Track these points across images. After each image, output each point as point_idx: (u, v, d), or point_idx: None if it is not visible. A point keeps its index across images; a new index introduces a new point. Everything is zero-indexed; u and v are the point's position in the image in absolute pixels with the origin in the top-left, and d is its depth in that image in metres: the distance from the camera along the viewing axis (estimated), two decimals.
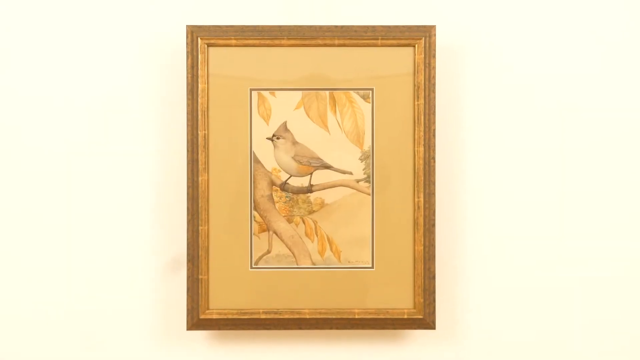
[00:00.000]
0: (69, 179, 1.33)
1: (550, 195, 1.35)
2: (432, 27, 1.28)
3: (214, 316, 1.29)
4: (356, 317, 1.29)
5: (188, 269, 1.28)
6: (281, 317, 1.29)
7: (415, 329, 1.30)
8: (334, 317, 1.29)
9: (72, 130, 1.33)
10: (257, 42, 1.28)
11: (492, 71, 1.34)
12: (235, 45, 1.28)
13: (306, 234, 1.30)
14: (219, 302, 1.29)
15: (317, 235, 1.30)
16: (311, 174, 1.29)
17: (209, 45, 1.28)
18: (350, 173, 1.29)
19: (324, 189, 1.29)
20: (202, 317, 1.29)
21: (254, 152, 1.29)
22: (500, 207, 1.35)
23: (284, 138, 1.29)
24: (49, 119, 1.33)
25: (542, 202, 1.35)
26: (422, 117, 1.28)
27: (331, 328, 1.29)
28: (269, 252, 1.30)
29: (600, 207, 1.35)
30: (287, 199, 1.29)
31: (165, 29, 1.33)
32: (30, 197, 1.34)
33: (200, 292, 1.28)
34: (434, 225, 1.29)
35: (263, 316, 1.29)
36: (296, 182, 1.29)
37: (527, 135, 1.35)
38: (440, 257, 1.33)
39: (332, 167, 1.29)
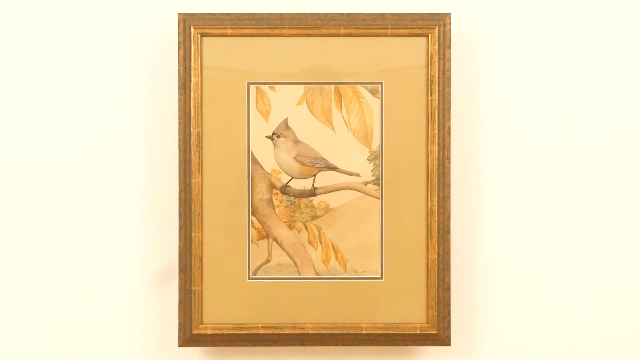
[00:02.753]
0: (48, 181, 1.28)
1: (579, 198, 1.29)
2: (447, 15, 1.22)
3: (209, 331, 1.24)
4: (364, 332, 1.24)
5: (180, 280, 1.23)
6: (281, 332, 1.24)
7: (428, 345, 1.24)
8: (339, 332, 1.24)
9: (52, 127, 1.28)
10: (255, 31, 1.22)
11: (512, 63, 1.28)
12: (232, 35, 1.22)
13: (309, 242, 1.25)
14: (214, 315, 1.24)
15: (321, 243, 1.25)
16: (314, 175, 1.24)
17: (202, 34, 1.22)
18: (358, 175, 1.24)
19: (329, 192, 1.24)
20: (195, 332, 1.23)
21: (252, 152, 1.23)
22: (521, 212, 1.29)
23: (284, 136, 1.23)
24: (29, 113, 1.28)
25: (570, 207, 1.29)
26: (436, 113, 1.22)
27: (336, 344, 1.24)
28: (268, 261, 1.25)
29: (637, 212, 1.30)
30: (289, 203, 1.24)
31: (155, 17, 1.28)
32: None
33: (193, 304, 1.23)
34: (448, 231, 1.23)
35: (262, 331, 1.24)
36: (298, 184, 1.24)
37: (550, 133, 1.29)
38: (456, 267, 1.28)
39: (338, 168, 1.24)
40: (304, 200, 1.25)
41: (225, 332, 1.24)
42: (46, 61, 1.28)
